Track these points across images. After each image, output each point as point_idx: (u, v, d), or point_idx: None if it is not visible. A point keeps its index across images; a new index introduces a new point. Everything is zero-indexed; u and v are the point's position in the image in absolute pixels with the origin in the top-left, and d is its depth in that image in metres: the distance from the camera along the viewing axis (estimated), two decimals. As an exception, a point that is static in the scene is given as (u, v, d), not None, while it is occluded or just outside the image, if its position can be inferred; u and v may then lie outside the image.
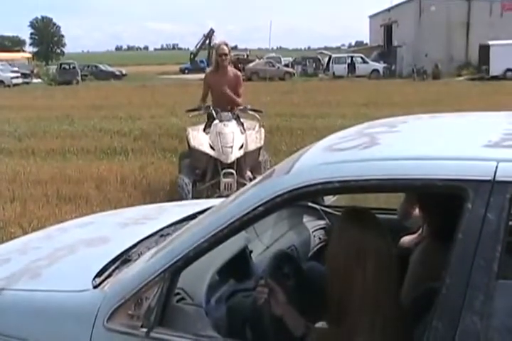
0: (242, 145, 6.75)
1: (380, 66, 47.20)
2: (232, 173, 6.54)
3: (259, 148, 7.00)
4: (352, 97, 23.93)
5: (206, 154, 6.69)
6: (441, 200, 2.18)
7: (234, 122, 7.02)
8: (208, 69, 8.20)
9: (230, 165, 6.58)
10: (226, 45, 7.56)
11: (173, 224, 3.04)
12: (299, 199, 2.80)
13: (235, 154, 6.62)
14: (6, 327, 2.36)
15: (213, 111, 7.14)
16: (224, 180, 6.51)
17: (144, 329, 2.08)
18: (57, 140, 13.62)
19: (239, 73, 7.96)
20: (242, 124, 7.18)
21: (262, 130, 7.25)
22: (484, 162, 1.79)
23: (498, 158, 1.78)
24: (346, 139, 2.25)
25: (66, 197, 7.95)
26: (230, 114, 7.11)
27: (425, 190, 2.11)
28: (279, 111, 16.79)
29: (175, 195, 6.73)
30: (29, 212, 7.23)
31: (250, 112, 7.50)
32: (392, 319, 1.97)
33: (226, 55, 7.49)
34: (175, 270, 2.12)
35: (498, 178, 1.73)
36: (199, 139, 6.91)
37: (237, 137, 6.77)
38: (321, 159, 2.10)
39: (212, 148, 6.69)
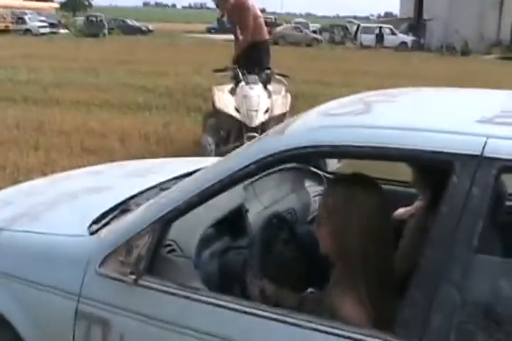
0: (267, 110, 6.68)
1: (408, 38, 46.49)
2: (255, 137, 6.28)
3: (285, 114, 6.86)
4: (378, 68, 23.66)
5: (231, 116, 6.64)
6: (435, 172, 2.18)
7: (260, 85, 6.96)
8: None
9: (254, 129, 6.51)
10: None
11: (174, 178, 3.11)
12: (290, 161, 2.91)
13: (260, 118, 6.55)
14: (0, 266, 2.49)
15: (240, 73, 7.10)
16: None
17: (133, 276, 2.18)
18: (81, 91, 13.66)
19: None
20: (268, 87, 7.10)
21: (288, 95, 7.15)
22: (474, 137, 1.81)
23: (488, 133, 1.80)
24: (343, 105, 2.32)
25: (90, 149, 8.03)
26: (256, 76, 7.07)
27: (411, 160, 2.21)
28: (304, 77, 16.57)
29: (198, 154, 6.72)
30: (52, 161, 7.33)
31: (277, 77, 7.42)
32: (381, 291, 1.98)
33: None
34: (165, 221, 2.20)
35: (486, 154, 1.75)
36: (224, 101, 6.87)
37: (262, 101, 6.71)
38: (314, 123, 2.17)
39: (237, 110, 6.65)
